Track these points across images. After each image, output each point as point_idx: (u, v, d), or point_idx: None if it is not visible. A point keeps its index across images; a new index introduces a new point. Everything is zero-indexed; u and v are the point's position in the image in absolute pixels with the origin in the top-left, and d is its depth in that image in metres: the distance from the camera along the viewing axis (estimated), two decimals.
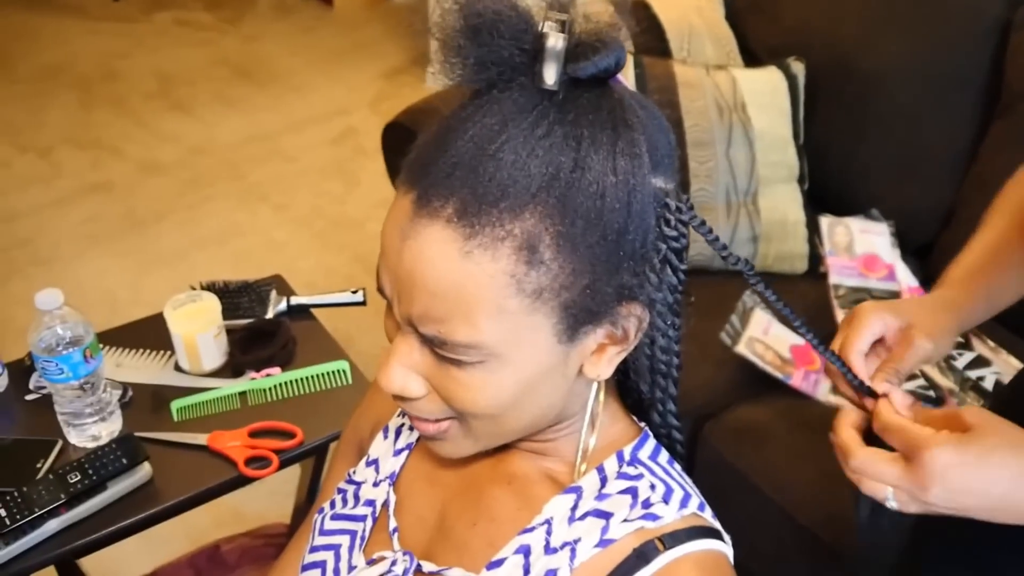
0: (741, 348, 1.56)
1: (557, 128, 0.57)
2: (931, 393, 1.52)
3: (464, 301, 0.58)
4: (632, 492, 0.67)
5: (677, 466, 0.72)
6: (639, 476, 0.68)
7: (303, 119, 3.30)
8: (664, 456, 0.72)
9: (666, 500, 0.67)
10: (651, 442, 0.72)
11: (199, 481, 1.16)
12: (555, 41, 0.57)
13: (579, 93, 0.59)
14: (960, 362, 1.60)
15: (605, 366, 0.64)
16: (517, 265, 0.57)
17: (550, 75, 0.57)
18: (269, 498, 1.89)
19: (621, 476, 0.68)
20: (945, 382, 1.55)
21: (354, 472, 0.82)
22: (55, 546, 1.07)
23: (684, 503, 0.68)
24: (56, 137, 3.19)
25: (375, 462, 0.81)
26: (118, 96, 3.43)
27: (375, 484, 0.79)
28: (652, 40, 1.90)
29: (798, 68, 1.86)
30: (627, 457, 0.70)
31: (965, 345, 1.63)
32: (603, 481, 0.69)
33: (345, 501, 0.80)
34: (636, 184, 0.59)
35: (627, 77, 1.75)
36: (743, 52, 1.99)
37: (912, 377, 1.56)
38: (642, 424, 0.74)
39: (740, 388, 1.56)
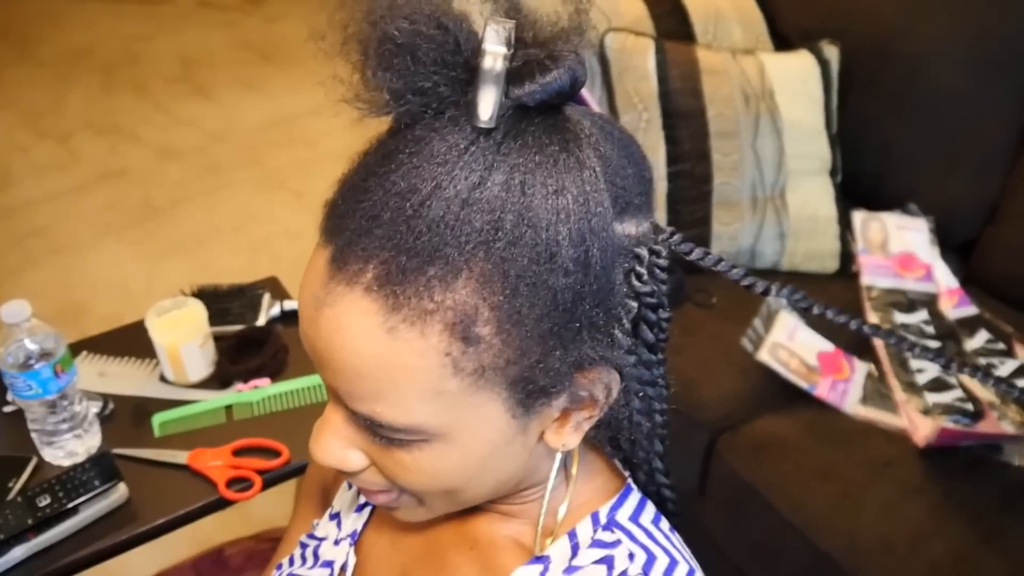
0: (763, 355, 1.46)
1: (495, 174, 0.47)
2: (969, 406, 1.41)
3: (392, 382, 0.48)
4: (607, 562, 0.58)
5: (665, 525, 0.63)
6: (616, 543, 0.59)
7: (322, 102, 3.21)
8: (649, 514, 0.62)
9: (646, 571, 0.58)
10: (633, 499, 0.63)
11: (177, 504, 1.10)
12: (493, 63, 0.46)
13: (524, 125, 0.48)
14: (1001, 371, 1.49)
15: (571, 434, 0.55)
16: (451, 343, 0.47)
17: (485, 109, 0.46)
18: (275, 500, 1.84)
19: (595, 544, 0.59)
20: (985, 394, 1.44)
21: (317, 525, 0.75)
22: (21, 575, 1.01)
23: (668, 574, 0.60)
24: (76, 122, 3.16)
25: (337, 516, 0.73)
26: (139, 80, 3.40)
27: (336, 543, 0.72)
28: (675, 23, 1.79)
29: (831, 52, 1.75)
30: (603, 520, 0.61)
31: (1007, 352, 1.52)
32: (575, 549, 0.60)
33: (304, 559, 0.73)
34: (595, 240, 0.49)
35: (646, 64, 1.65)
36: (773, 35, 1.88)
37: (947, 388, 1.45)
38: (627, 474, 0.65)
39: (762, 398, 1.47)
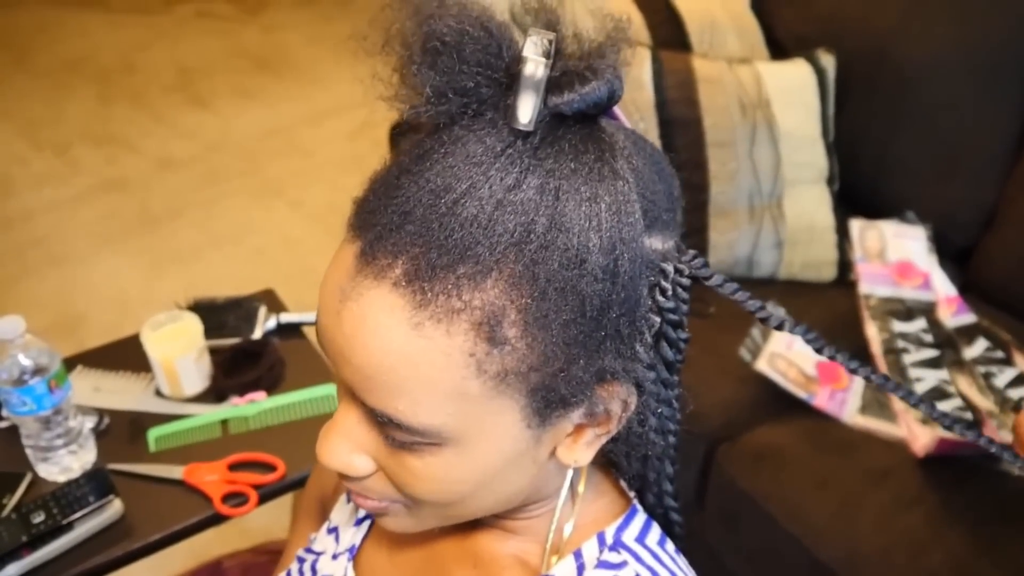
0: (761, 365, 1.46)
1: (530, 178, 0.47)
2: (968, 415, 1.41)
3: (414, 379, 0.48)
4: None
5: (671, 546, 0.63)
6: (622, 564, 0.59)
7: (321, 111, 3.23)
8: (655, 535, 0.62)
9: None
10: (639, 519, 0.62)
11: (172, 519, 1.09)
12: (534, 69, 0.46)
13: (561, 133, 0.48)
14: (1000, 380, 1.48)
15: (583, 451, 0.55)
16: (477, 343, 0.47)
17: (525, 112, 0.47)
18: (273, 513, 1.83)
19: (601, 565, 0.59)
20: (984, 403, 1.44)
21: (314, 539, 0.75)
22: None
23: None
24: (74, 133, 3.15)
25: (335, 530, 0.73)
26: (137, 89, 3.39)
27: (334, 557, 0.71)
28: (671, 33, 1.79)
29: (827, 61, 1.75)
30: (609, 540, 0.60)
31: (1006, 361, 1.52)
32: (580, 569, 0.59)
33: (302, 573, 0.73)
34: (624, 250, 0.49)
35: (642, 74, 1.65)
36: (769, 43, 1.87)
37: (946, 397, 1.45)
38: (632, 494, 0.65)
39: (761, 408, 1.47)
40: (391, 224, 0.48)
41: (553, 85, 0.47)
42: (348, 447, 0.54)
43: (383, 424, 0.51)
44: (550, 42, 0.47)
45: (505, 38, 0.48)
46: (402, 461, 0.52)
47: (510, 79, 0.48)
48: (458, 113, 0.48)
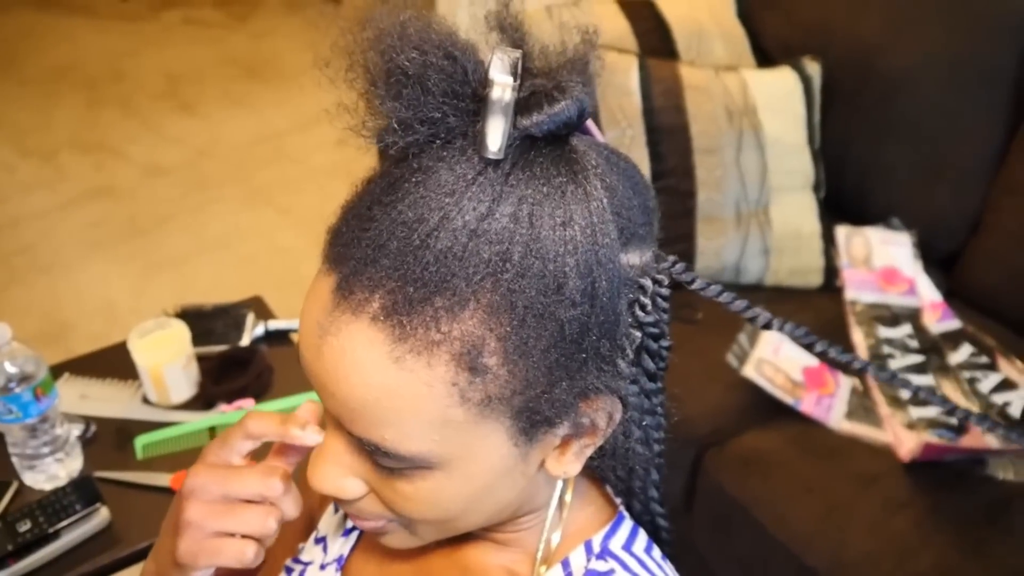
0: (749, 371, 1.46)
1: (503, 206, 0.46)
2: (952, 420, 1.42)
3: (398, 411, 0.48)
4: None
5: (657, 554, 0.63)
6: (609, 572, 0.59)
7: (310, 118, 3.23)
8: (641, 543, 0.62)
9: None
10: (626, 526, 0.63)
11: (160, 528, 1.08)
12: (501, 93, 0.45)
13: (532, 156, 0.48)
14: (984, 385, 1.50)
15: (572, 462, 0.55)
16: (458, 373, 0.47)
17: (494, 140, 0.46)
18: None
19: (589, 573, 0.59)
20: (969, 407, 1.45)
21: (303, 549, 0.75)
22: None
23: None
24: (62, 140, 3.15)
25: (323, 540, 0.73)
26: (125, 96, 3.39)
27: (322, 567, 0.71)
28: (658, 40, 1.80)
29: (813, 68, 1.76)
30: (596, 548, 0.60)
31: (990, 366, 1.53)
32: None
33: None
34: (601, 271, 0.48)
35: (629, 81, 1.66)
36: (756, 51, 1.89)
37: (925, 403, 1.45)
38: (618, 501, 0.65)
39: (748, 414, 1.47)
40: (366, 258, 0.47)
41: (521, 107, 0.47)
42: (339, 472, 0.54)
43: (371, 452, 0.51)
44: (517, 60, 0.46)
45: (470, 61, 0.47)
46: (393, 485, 0.53)
47: (477, 104, 0.47)
48: (426, 142, 0.48)
